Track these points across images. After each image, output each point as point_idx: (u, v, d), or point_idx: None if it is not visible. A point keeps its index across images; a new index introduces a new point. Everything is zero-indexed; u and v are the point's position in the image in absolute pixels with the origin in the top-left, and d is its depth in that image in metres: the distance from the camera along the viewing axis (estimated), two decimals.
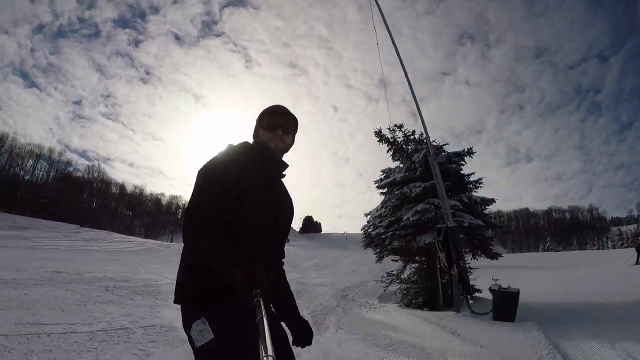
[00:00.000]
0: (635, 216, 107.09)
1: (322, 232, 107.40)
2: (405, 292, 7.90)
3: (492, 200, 8.49)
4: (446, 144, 8.61)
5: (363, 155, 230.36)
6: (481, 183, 8.62)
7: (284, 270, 1.42)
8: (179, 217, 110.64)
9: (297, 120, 1.38)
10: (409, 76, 7.34)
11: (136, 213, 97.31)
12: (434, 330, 4.84)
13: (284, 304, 1.36)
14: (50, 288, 6.21)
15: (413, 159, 7.59)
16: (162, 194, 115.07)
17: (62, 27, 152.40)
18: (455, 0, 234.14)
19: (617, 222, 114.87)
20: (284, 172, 1.37)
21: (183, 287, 1.17)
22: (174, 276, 1.22)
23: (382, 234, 8.11)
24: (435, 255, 6.53)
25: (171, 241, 68.77)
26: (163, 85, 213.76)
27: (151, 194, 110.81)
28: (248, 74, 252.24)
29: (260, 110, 1.38)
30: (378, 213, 8.44)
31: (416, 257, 7.99)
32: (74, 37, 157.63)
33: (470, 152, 8.31)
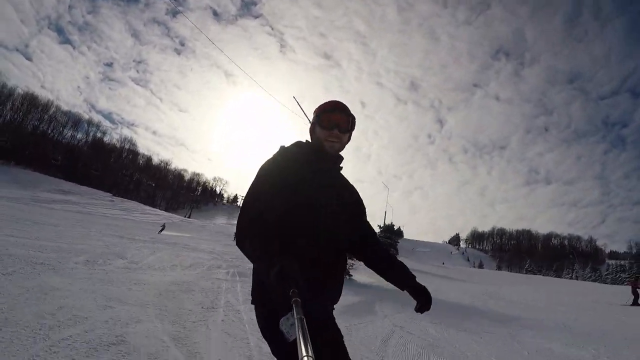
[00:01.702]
0: (633, 252, 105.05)
1: None
2: None
3: None
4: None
5: (385, 154, 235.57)
6: None
7: (380, 248, 1.44)
8: (198, 194, 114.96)
9: (354, 118, 1.37)
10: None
11: (159, 185, 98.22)
12: None
13: (392, 276, 1.40)
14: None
15: None
16: (185, 170, 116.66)
17: None
18: (496, 12, 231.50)
19: (615, 255, 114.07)
20: (340, 165, 1.38)
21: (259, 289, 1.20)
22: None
23: None
24: None
25: (189, 217, 75.00)
26: (196, 58, 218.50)
27: (175, 169, 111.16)
28: (282, 59, 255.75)
29: (317, 105, 1.38)
30: None
31: None
32: None
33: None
